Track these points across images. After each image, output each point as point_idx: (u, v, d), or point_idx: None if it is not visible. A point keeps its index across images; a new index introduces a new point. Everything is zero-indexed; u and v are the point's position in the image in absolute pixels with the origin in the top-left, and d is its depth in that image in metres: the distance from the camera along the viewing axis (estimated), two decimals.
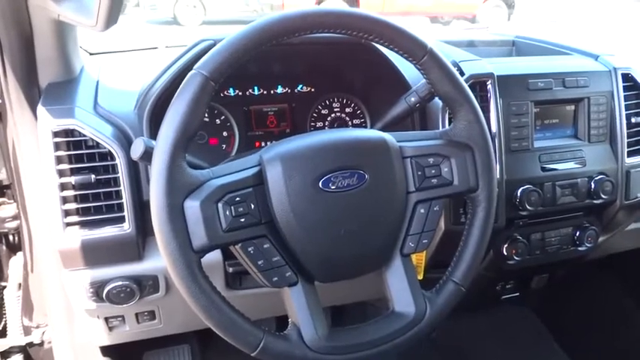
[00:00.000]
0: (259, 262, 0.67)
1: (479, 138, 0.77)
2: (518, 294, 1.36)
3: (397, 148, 0.74)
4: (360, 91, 1.14)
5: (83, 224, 0.86)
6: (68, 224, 0.85)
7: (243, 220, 0.66)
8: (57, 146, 0.84)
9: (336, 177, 0.69)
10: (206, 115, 1.03)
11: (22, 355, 1.34)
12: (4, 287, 1.33)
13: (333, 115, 1.13)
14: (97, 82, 0.98)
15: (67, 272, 0.89)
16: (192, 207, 0.64)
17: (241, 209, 0.66)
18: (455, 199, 0.98)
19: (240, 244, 0.67)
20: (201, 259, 0.65)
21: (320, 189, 0.69)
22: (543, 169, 1.05)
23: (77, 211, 0.86)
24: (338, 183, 0.69)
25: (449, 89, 0.75)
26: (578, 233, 1.13)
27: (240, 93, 1.08)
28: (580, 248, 1.13)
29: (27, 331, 1.31)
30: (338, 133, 0.74)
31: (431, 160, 0.75)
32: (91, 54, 1.17)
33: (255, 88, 1.09)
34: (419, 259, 1.00)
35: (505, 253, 1.08)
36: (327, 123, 1.12)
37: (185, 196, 0.64)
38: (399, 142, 0.75)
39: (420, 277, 1.02)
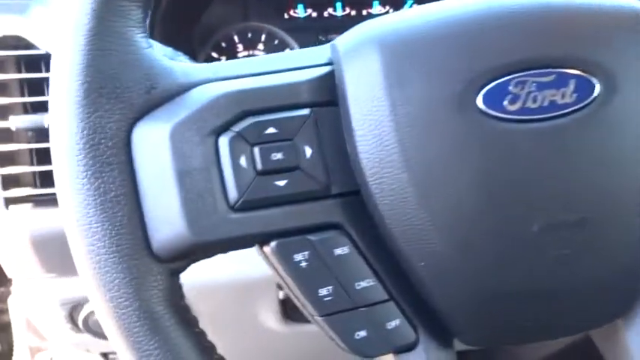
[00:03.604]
0: (320, 292, 0.27)
1: None
2: None
3: None
4: None
5: (39, 202, 0.51)
6: (11, 201, 0.51)
7: (283, 183, 0.26)
8: None
9: (523, 83, 0.27)
10: (261, 42, 0.67)
11: None
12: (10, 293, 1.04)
13: None
14: None
15: (19, 284, 0.55)
16: (156, 138, 0.25)
17: (280, 156, 0.26)
18: None
19: (274, 243, 0.27)
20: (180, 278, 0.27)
21: (480, 112, 0.27)
22: None
23: (31, 179, 0.51)
24: (528, 98, 0.27)
25: None
26: None
27: (314, 14, 0.70)
28: None
29: (33, 352, 1.01)
30: None
31: None
32: None
33: (339, 5, 0.70)
34: None
35: None
36: None
37: (141, 111, 0.25)
38: None
39: None
